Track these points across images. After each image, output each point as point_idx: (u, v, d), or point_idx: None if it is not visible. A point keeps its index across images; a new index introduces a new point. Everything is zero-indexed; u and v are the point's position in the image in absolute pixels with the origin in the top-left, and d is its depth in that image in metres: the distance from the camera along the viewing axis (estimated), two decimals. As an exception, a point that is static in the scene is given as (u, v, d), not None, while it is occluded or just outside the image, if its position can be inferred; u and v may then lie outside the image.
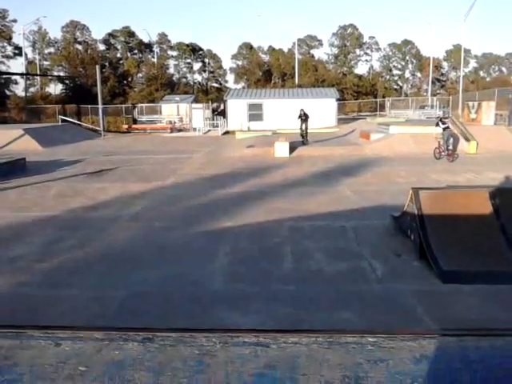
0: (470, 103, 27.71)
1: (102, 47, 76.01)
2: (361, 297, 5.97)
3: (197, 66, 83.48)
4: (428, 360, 2.23)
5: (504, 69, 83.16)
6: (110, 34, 76.55)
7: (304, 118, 23.79)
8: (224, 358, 2.36)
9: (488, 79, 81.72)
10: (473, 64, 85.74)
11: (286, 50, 79.18)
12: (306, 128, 23.88)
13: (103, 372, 2.30)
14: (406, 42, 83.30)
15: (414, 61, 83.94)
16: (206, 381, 2.20)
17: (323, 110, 37.59)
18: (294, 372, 2.21)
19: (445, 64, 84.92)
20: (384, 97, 64.35)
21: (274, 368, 2.24)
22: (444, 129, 19.23)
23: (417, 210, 7.74)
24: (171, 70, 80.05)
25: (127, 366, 2.34)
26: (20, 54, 64.02)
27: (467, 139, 21.31)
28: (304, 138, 23.76)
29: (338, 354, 2.35)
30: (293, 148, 21.11)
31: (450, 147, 18.91)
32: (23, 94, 59.52)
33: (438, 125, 19.61)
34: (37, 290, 6.30)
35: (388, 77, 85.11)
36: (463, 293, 6.02)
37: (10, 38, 66.76)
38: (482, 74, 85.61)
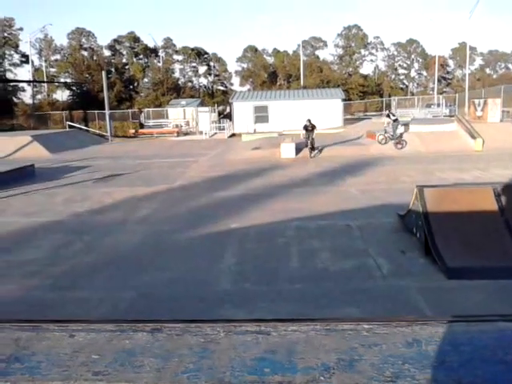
0: (476, 101, 27.61)
1: (107, 53, 76.41)
2: (366, 294, 6.06)
3: (202, 69, 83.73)
4: (419, 344, 2.35)
5: (510, 66, 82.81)
6: (115, 40, 76.93)
7: (310, 128, 21.04)
8: (227, 345, 2.49)
9: (494, 76, 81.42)
10: (479, 61, 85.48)
11: (290, 52, 79.26)
12: (313, 139, 20.88)
13: (115, 359, 2.44)
14: (411, 41, 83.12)
15: (420, 59, 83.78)
16: (210, 365, 2.33)
17: (329, 110, 37.62)
18: (293, 356, 2.33)
19: (450, 62, 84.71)
20: (390, 96, 64.26)
21: (274, 353, 2.37)
22: (394, 120, 22.16)
23: (422, 207, 7.81)
24: (177, 74, 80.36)
25: (137, 354, 2.47)
26: (27, 62, 64.53)
27: (473, 137, 21.31)
28: (311, 151, 20.95)
29: (335, 339, 2.48)
30: (299, 149, 21.18)
31: (398, 135, 21.81)
32: (30, 101, 60.11)
33: (388, 116, 22.83)
34: (48, 293, 6.44)
35: (393, 76, 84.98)
36: (468, 288, 6.09)
37: (17, 46, 67.30)
38: (488, 71, 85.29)
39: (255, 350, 2.39)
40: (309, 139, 21.11)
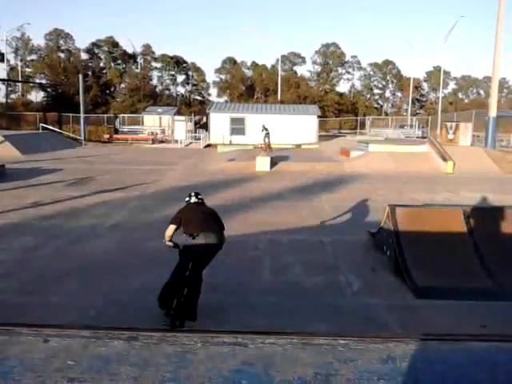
0: (448, 124, 28.17)
1: (85, 56, 75.76)
2: (336, 309, 6.12)
3: (180, 78, 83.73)
4: (394, 361, 2.38)
5: (482, 91, 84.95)
6: (93, 44, 76.30)
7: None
8: (205, 356, 2.49)
9: (466, 101, 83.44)
10: (452, 86, 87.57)
11: (269, 66, 79.82)
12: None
13: (90, 366, 2.41)
14: (387, 63, 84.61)
15: (395, 81, 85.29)
16: (188, 375, 2.32)
17: (304, 126, 37.96)
18: (270, 369, 2.34)
19: (425, 85, 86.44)
20: (365, 115, 65.18)
21: (252, 365, 2.37)
22: (267, 133, 29.09)
23: (393, 226, 7.92)
24: (154, 82, 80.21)
25: (113, 361, 2.45)
26: (2, 60, 63.55)
27: (445, 159, 21.70)
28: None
29: (311, 353, 2.50)
30: (274, 163, 21.25)
31: (269, 144, 29.08)
32: (4, 100, 59.11)
33: (266, 129, 29.21)
34: (15, 297, 6.32)
35: (369, 96, 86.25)
36: (436, 308, 6.19)
37: (-8, 44, 66.23)
38: (460, 95, 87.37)
39: (232, 362, 2.39)
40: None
